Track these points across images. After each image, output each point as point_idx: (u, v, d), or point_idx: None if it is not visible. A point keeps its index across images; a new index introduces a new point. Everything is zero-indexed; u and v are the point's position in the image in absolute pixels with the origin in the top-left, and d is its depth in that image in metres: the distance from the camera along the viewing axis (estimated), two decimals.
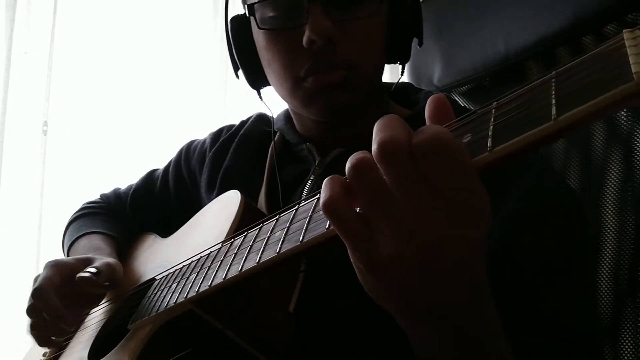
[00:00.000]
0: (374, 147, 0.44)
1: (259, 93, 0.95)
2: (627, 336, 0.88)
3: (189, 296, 0.69)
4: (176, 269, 0.81)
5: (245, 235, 0.67)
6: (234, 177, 0.99)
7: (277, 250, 0.57)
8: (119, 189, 1.29)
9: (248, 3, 0.85)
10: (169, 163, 1.19)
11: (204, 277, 0.69)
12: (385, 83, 0.98)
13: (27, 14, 1.86)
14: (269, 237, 0.61)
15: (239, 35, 0.89)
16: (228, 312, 0.69)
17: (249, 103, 0.96)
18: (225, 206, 0.83)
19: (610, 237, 0.92)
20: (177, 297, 0.72)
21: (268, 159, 0.95)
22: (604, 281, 0.92)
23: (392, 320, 0.53)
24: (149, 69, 2.07)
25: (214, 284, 0.65)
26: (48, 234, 1.83)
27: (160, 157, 1.26)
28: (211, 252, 0.73)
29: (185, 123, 2.09)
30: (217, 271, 0.66)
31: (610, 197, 0.93)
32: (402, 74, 0.94)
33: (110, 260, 0.97)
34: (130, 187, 1.26)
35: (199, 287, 0.68)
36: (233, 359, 0.72)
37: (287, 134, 0.96)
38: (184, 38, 2.14)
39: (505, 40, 1.06)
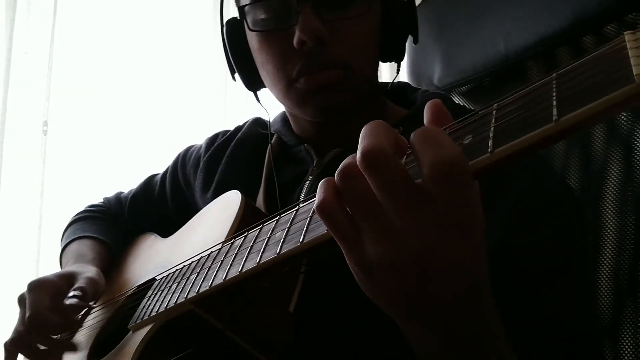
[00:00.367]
0: (358, 154, 0.44)
1: (256, 95, 0.95)
2: (627, 336, 0.88)
3: (189, 296, 0.69)
4: (176, 269, 0.81)
5: (245, 236, 0.67)
6: (230, 180, 0.99)
7: (278, 251, 0.57)
8: (121, 193, 1.30)
9: (239, 6, 0.85)
10: (167, 169, 1.20)
11: (204, 277, 0.69)
12: (382, 82, 0.97)
13: (27, 14, 1.86)
14: (269, 237, 0.61)
15: (234, 38, 0.89)
16: (228, 312, 0.69)
17: (249, 105, 0.96)
18: (225, 206, 0.83)
19: (610, 237, 0.92)
20: (177, 298, 0.72)
21: (266, 160, 0.95)
22: (604, 281, 0.92)
23: (392, 321, 0.53)
24: (149, 70, 2.07)
25: (214, 284, 0.65)
26: (48, 234, 1.82)
27: (160, 157, 1.27)
28: (211, 252, 0.73)
29: (185, 124, 2.09)
30: (217, 271, 0.66)
31: (610, 197, 0.92)
32: (397, 73, 0.94)
33: (91, 274, 0.96)
34: (131, 191, 1.27)
35: (199, 288, 0.68)
36: (233, 359, 0.72)
37: (284, 136, 0.96)
38: (183, 39, 2.14)
39: (505, 40, 1.06)
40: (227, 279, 0.63)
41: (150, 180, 1.24)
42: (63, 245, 1.17)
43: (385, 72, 1.98)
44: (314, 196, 0.57)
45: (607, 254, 0.92)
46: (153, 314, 0.76)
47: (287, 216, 0.61)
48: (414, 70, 1.27)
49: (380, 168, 0.43)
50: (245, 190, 0.86)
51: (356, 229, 0.46)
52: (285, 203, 0.87)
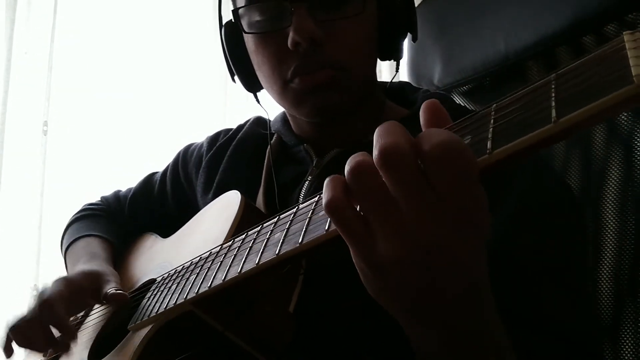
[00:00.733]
0: (375, 152, 0.43)
1: (255, 96, 0.95)
2: (627, 336, 0.88)
3: (188, 297, 0.69)
4: (176, 270, 0.81)
5: (245, 236, 0.67)
6: (231, 180, 0.99)
7: (277, 252, 0.57)
8: (119, 191, 1.29)
9: (232, 8, 0.86)
10: (167, 167, 1.20)
11: (204, 278, 0.69)
12: (381, 82, 0.97)
13: (27, 14, 1.86)
14: (268, 238, 0.61)
15: (232, 41, 0.90)
16: (228, 313, 0.69)
17: (249, 105, 0.96)
18: (225, 207, 0.83)
19: (610, 237, 0.92)
20: (177, 298, 0.72)
21: (265, 160, 0.95)
22: (604, 281, 0.92)
23: (392, 322, 0.53)
24: (149, 70, 2.07)
25: (213, 285, 0.65)
26: (48, 234, 1.83)
27: (160, 157, 1.26)
28: (211, 253, 0.73)
29: (185, 124, 2.09)
30: (216, 272, 0.66)
31: (610, 197, 0.92)
32: (396, 71, 0.94)
33: (114, 277, 0.97)
34: (130, 190, 1.27)
35: (199, 288, 0.68)
36: (233, 359, 0.72)
37: (284, 136, 0.96)
38: (183, 39, 2.14)
39: (505, 40, 1.06)
40: (226, 279, 0.63)
41: (150, 178, 1.24)
42: (68, 243, 1.17)
43: (386, 72, 1.98)
44: (313, 197, 0.57)
45: (607, 254, 0.92)
46: (152, 314, 0.76)
47: (287, 217, 0.60)
48: (414, 71, 1.26)
49: (399, 165, 0.43)
50: (245, 190, 0.86)
51: (365, 226, 0.46)
52: (284, 203, 0.87)
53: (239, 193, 0.83)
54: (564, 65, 0.39)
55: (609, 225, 0.92)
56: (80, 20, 1.98)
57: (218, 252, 0.71)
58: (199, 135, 1.17)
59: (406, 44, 0.93)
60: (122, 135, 2.01)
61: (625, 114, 0.91)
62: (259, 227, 0.65)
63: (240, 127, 1.10)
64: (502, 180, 0.74)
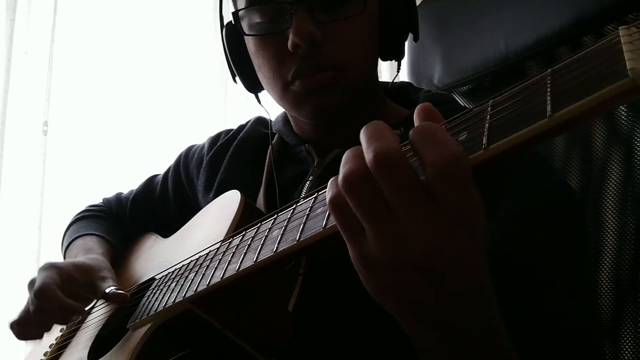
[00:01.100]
0: (368, 156, 0.43)
1: (257, 97, 0.95)
2: (628, 336, 0.88)
3: (187, 295, 0.69)
4: (175, 269, 0.81)
5: (243, 235, 0.67)
6: (232, 179, 0.99)
7: (274, 249, 0.57)
8: (121, 193, 1.30)
9: (232, 11, 0.86)
10: (168, 169, 1.20)
11: (202, 276, 0.69)
12: (382, 82, 0.97)
13: (27, 14, 1.86)
14: (266, 236, 0.61)
15: (233, 42, 0.90)
16: (226, 311, 0.69)
17: (250, 105, 0.96)
18: (225, 206, 0.83)
19: (611, 237, 0.92)
20: (176, 297, 0.72)
21: (267, 160, 0.95)
22: (604, 281, 0.92)
23: (391, 321, 0.53)
24: (149, 70, 2.06)
25: (212, 283, 0.65)
26: (48, 234, 1.82)
27: (160, 157, 1.27)
28: (210, 251, 0.73)
29: (185, 124, 2.09)
30: (215, 270, 0.66)
31: (610, 197, 0.92)
32: (398, 71, 0.94)
33: (109, 272, 0.97)
34: (131, 192, 1.27)
35: (197, 287, 0.68)
36: (233, 358, 0.72)
37: (285, 136, 0.96)
38: (184, 39, 2.13)
39: (506, 40, 1.06)
40: (224, 277, 0.63)
41: (151, 180, 1.24)
42: (67, 243, 1.17)
43: (386, 71, 1.98)
44: (311, 195, 0.57)
45: (607, 254, 0.92)
46: (152, 313, 0.76)
47: (285, 214, 0.61)
48: (414, 71, 1.27)
49: (394, 170, 0.43)
50: (246, 189, 0.86)
51: (362, 227, 0.47)
52: (285, 203, 0.86)
53: (238, 192, 0.83)
54: (561, 60, 0.39)
55: (609, 225, 0.92)
56: (80, 20, 1.98)
57: (217, 250, 0.71)
58: (200, 135, 1.17)
59: (406, 44, 0.93)
60: (122, 135, 2.01)
61: (625, 114, 0.91)
62: (257, 226, 0.66)
63: (242, 127, 1.10)
64: (502, 182, 0.74)
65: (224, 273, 0.63)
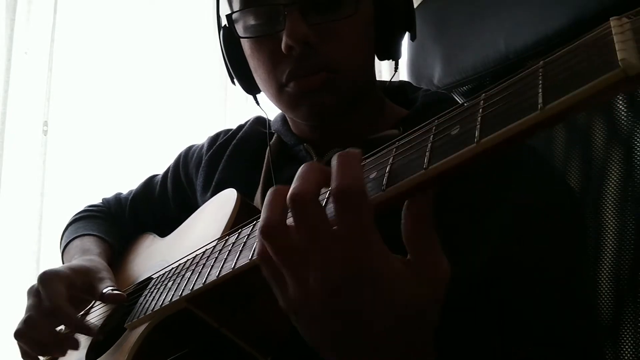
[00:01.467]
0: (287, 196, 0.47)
1: (255, 98, 0.95)
2: (627, 336, 0.88)
3: (183, 294, 0.69)
4: (172, 268, 0.81)
5: (239, 233, 0.67)
6: (230, 179, 0.99)
7: None
8: (120, 193, 1.30)
9: (226, 14, 0.86)
10: (168, 168, 1.20)
11: (199, 275, 0.69)
12: (381, 81, 0.97)
13: (27, 14, 1.86)
14: None
15: (230, 45, 0.90)
16: (223, 310, 0.69)
17: (250, 105, 0.96)
18: (222, 204, 0.83)
19: (610, 237, 0.91)
20: (172, 296, 0.72)
21: (265, 160, 0.95)
22: (604, 281, 0.91)
23: None
24: (149, 70, 2.07)
25: (207, 281, 0.65)
26: (48, 234, 1.82)
27: (160, 158, 1.27)
28: (206, 250, 0.73)
29: (185, 124, 2.09)
30: (211, 269, 0.66)
31: (610, 197, 0.92)
32: (395, 70, 0.93)
33: (107, 273, 0.97)
34: (130, 192, 1.27)
35: (194, 285, 0.68)
36: (230, 357, 0.72)
37: (284, 136, 0.96)
38: (184, 39, 2.14)
39: (506, 39, 1.06)
40: (220, 275, 0.63)
41: (151, 180, 1.24)
42: (65, 243, 1.17)
43: (386, 71, 1.98)
44: None
45: (607, 254, 0.91)
46: (149, 312, 0.76)
47: None
48: (414, 71, 1.27)
49: (301, 211, 0.46)
50: (244, 189, 0.86)
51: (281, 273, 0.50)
52: None
53: (235, 191, 0.83)
54: (553, 52, 0.39)
55: (609, 225, 0.92)
56: (80, 20, 1.98)
57: (213, 249, 0.71)
58: (200, 135, 1.17)
59: (406, 43, 0.93)
60: (123, 135, 2.01)
61: (625, 114, 0.91)
62: (253, 223, 0.65)
63: (241, 126, 1.10)
64: (502, 182, 0.73)
65: (219, 271, 0.63)
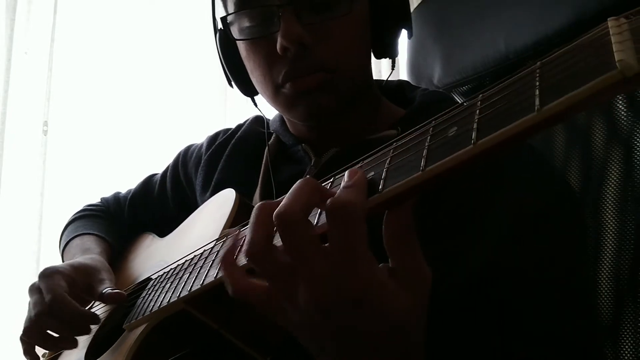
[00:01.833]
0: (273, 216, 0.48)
1: (253, 100, 0.95)
2: (627, 336, 0.87)
3: (181, 295, 0.69)
4: (170, 269, 0.81)
5: (237, 233, 0.67)
6: (229, 178, 0.98)
7: None
8: (119, 193, 1.30)
9: (221, 16, 0.86)
10: (167, 168, 1.20)
11: (197, 276, 0.68)
12: (378, 80, 0.97)
13: (27, 14, 1.87)
14: None
15: (227, 47, 0.90)
16: (221, 311, 0.69)
17: (249, 105, 0.96)
18: (220, 204, 0.83)
19: (610, 237, 0.91)
20: (170, 297, 0.72)
21: (264, 160, 0.95)
22: (604, 281, 0.91)
23: None
24: (149, 70, 2.07)
25: (206, 282, 0.65)
26: (48, 234, 1.83)
27: (160, 158, 1.27)
28: (204, 250, 0.73)
29: (185, 124, 2.09)
30: (209, 270, 0.66)
31: (610, 197, 0.92)
32: (392, 69, 0.93)
33: (107, 273, 0.97)
34: (129, 191, 1.27)
35: (192, 287, 0.67)
36: (229, 357, 0.71)
37: (282, 136, 0.96)
38: (184, 39, 2.14)
39: (506, 39, 1.06)
40: (218, 277, 0.63)
41: (150, 179, 1.24)
42: (65, 242, 1.17)
43: (385, 70, 1.98)
44: None
45: (607, 254, 0.91)
46: (147, 313, 0.76)
47: None
48: (413, 70, 1.26)
49: (287, 231, 0.47)
50: (243, 189, 0.86)
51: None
52: None
53: (234, 191, 0.83)
54: (550, 53, 0.39)
55: (609, 225, 0.92)
56: (80, 20, 1.98)
57: (211, 249, 0.71)
58: (200, 135, 1.17)
59: (406, 43, 0.93)
60: (123, 135, 2.01)
61: (625, 114, 0.91)
62: None
63: (240, 126, 1.10)
64: (501, 182, 0.73)
65: (217, 272, 0.63)
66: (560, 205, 0.77)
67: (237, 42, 0.86)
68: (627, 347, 0.87)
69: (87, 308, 1.00)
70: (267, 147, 0.97)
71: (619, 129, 0.92)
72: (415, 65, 1.26)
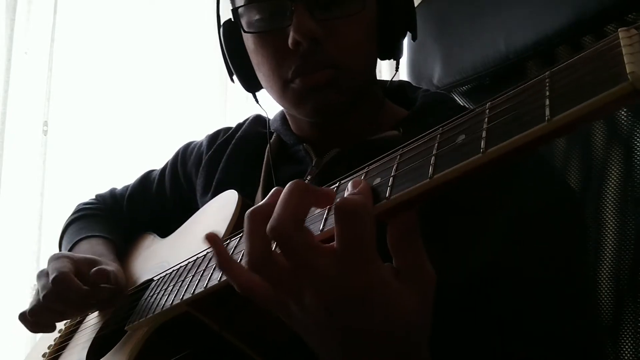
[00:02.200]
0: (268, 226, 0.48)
1: (254, 96, 0.94)
2: (627, 336, 0.88)
3: (184, 298, 0.69)
4: (173, 270, 0.81)
5: (240, 236, 0.67)
6: (229, 179, 0.98)
7: None
8: (115, 189, 1.29)
9: (232, 8, 0.85)
10: (166, 165, 1.19)
11: (200, 278, 0.68)
12: (381, 81, 0.97)
13: (27, 14, 1.86)
14: None
15: (230, 41, 0.89)
16: (224, 313, 0.69)
17: (250, 104, 0.96)
18: (223, 206, 0.83)
19: (610, 237, 0.91)
20: (173, 299, 0.72)
21: (265, 160, 0.95)
22: (604, 281, 0.91)
23: None
24: (149, 70, 2.07)
25: (209, 285, 0.65)
26: (48, 234, 1.82)
27: (160, 158, 1.26)
28: (207, 253, 0.73)
29: (185, 123, 2.09)
30: (212, 272, 0.66)
31: (610, 197, 0.92)
32: (396, 70, 0.93)
33: (118, 270, 0.97)
34: (126, 187, 1.26)
35: (195, 289, 0.68)
36: (231, 359, 0.71)
37: (283, 135, 0.96)
38: (184, 39, 2.13)
39: (506, 39, 1.06)
40: (222, 280, 0.63)
41: (148, 175, 1.24)
42: (69, 245, 1.15)
43: (386, 71, 1.98)
44: None
45: (607, 254, 0.91)
46: (149, 315, 0.76)
47: None
48: (414, 70, 1.26)
49: (283, 243, 0.47)
50: (244, 189, 0.86)
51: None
52: None
53: (236, 192, 0.83)
54: (560, 62, 0.39)
55: (609, 225, 0.92)
56: (80, 20, 1.98)
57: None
58: (200, 134, 1.17)
59: (406, 43, 0.93)
60: (123, 135, 2.01)
61: (625, 114, 0.91)
62: None
63: (240, 125, 1.09)
64: (501, 183, 0.73)
65: (221, 275, 0.63)
66: (561, 206, 0.77)
67: (245, 35, 0.85)
68: (627, 347, 0.87)
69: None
70: (268, 147, 0.96)
71: (619, 129, 0.92)
72: (415, 65, 1.26)
